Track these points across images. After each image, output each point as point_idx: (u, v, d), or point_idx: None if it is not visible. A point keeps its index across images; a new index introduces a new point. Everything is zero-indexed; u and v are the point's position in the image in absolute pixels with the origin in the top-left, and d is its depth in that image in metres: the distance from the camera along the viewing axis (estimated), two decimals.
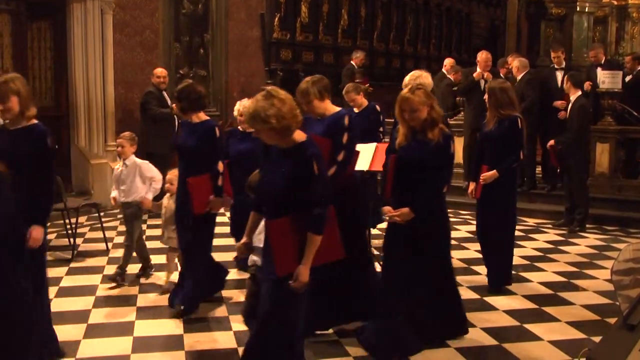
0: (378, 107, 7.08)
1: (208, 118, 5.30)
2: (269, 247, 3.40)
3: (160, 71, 8.91)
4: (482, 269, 6.43)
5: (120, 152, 6.10)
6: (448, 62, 10.94)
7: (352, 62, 11.64)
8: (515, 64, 9.19)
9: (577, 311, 5.35)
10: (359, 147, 6.59)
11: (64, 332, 4.64)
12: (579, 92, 7.92)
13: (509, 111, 5.56)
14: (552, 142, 8.09)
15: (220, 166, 5.11)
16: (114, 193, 6.08)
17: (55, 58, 9.18)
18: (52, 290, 5.58)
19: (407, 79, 5.29)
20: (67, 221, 7.01)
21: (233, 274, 6.06)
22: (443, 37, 18.40)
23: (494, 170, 5.57)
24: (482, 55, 9.30)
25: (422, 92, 4.34)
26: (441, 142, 4.30)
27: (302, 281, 3.31)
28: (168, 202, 5.71)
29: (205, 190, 5.01)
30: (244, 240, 3.72)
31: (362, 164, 6.14)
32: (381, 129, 7.01)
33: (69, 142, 9.24)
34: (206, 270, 5.34)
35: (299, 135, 3.42)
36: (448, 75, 10.63)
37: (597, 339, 4.63)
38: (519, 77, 8.99)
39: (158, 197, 6.02)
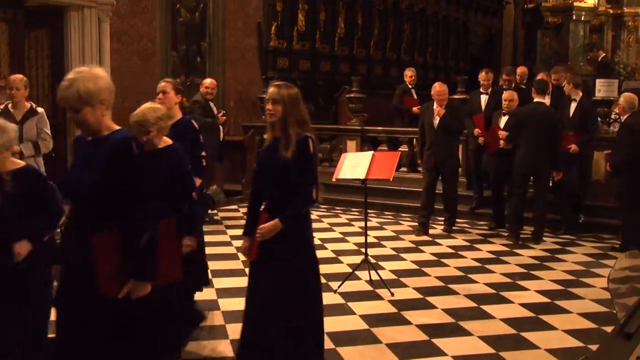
0: (194, 122, 5.24)
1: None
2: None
3: (209, 82, 9.03)
4: (479, 277, 6.46)
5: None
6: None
7: (405, 80, 11.06)
8: (506, 96, 8.32)
9: (574, 319, 5.34)
10: (351, 155, 6.64)
11: None
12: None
13: (300, 129, 3.88)
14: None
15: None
16: None
17: (53, 66, 9.18)
18: None
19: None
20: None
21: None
22: (440, 45, 18.46)
23: (276, 220, 3.79)
24: (436, 88, 8.30)
25: None
26: None
27: None
28: None
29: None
30: None
31: (358, 172, 6.17)
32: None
33: (66, 149, 9.23)
34: None
35: None
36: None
37: (594, 347, 4.63)
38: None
39: None
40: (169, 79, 5.32)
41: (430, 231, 8.38)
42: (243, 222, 8.29)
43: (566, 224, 8.40)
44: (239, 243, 7.59)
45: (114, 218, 3.00)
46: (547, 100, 8.59)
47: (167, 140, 4.17)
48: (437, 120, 8.14)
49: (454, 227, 8.58)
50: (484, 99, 9.06)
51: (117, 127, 3.12)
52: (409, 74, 11.02)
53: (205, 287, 5.37)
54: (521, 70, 10.40)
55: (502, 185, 8.39)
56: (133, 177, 3.04)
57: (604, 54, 11.84)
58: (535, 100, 7.92)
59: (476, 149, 9.01)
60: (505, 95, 8.36)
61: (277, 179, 3.84)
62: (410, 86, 10.94)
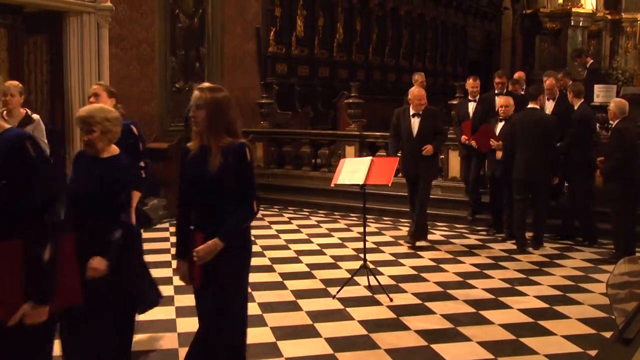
0: (134, 128, 4.84)
1: None
2: None
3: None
4: (478, 283, 6.46)
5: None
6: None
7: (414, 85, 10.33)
8: (502, 102, 8.30)
9: (573, 325, 5.34)
10: (350, 160, 6.63)
11: (57, 346, 4.64)
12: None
13: (232, 137, 3.52)
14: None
15: None
16: None
17: (52, 72, 9.18)
18: None
19: None
20: None
21: None
22: (438, 50, 18.52)
23: (215, 239, 3.41)
24: (414, 92, 7.85)
25: None
26: None
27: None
28: None
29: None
30: None
31: (357, 177, 6.17)
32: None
33: (65, 155, 9.22)
34: None
35: None
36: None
37: (593, 352, 4.63)
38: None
39: None
40: (101, 82, 5.17)
41: (429, 237, 8.37)
42: None
43: (566, 230, 8.38)
44: None
45: (10, 227, 2.64)
46: (550, 105, 8.59)
47: (114, 150, 3.68)
48: (415, 128, 7.68)
49: (452, 233, 8.58)
50: (471, 106, 8.88)
51: (8, 126, 2.82)
52: (419, 79, 10.31)
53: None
54: (519, 75, 10.35)
55: (499, 192, 8.37)
56: (28, 180, 2.67)
57: (592, 61, 11.69)
58: (529, 106, 7.91)
59: (467, 156, 8.94)
60: (501, 101, 8.34)
61: (209, 193, 3.46)
62: None
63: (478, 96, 8.96)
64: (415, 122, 7.68)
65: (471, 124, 8.63)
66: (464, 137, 8.59)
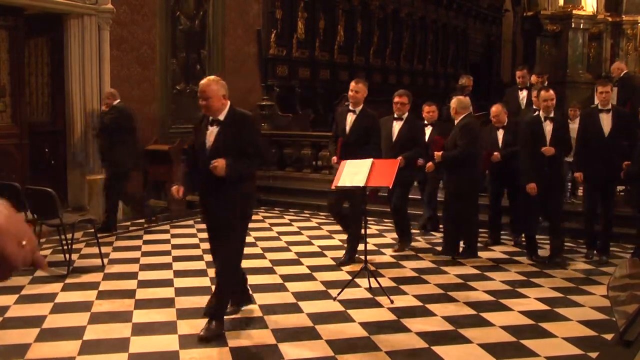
0: None
1: None
2: None
3: None
4: (479, 285, 6.46)
5: None
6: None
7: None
8: (453, 104, 7.57)
9: (573, 327, 5.33)
10: (351, 162, 6.60)
11: (58, 348, 4.64)
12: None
13: None
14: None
15: None
16: None
17: (52, 74, 9.19)
18: (47, 307, 5.59)
19: None
20: (62, 237, 6.99)
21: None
22: (439, 52, 18.53)
23: None
24: (199, 87, 5.03)
25: None
26: None
27: None
28: None
29: None
30: None
31: (358, 179, 6.17)
32: None
33: (65, 157, 9.24)
34: None
35: None
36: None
37: (594, 354, 4.63)
38: (456, 121, 7.48)
39: None
40: None
41: (430, 239, 8.37)
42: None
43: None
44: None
45: None
46: (501, 134, 8.10)
47: None
48: (211, 139, 5.01)
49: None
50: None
51: None
52: (466, 81, 9.73)
53: None
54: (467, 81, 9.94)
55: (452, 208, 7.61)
56: None
57: (523, 78, 10.41)
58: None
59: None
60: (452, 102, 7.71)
61: None
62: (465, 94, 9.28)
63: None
64: (212, 133, 5.04)
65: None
66: None
